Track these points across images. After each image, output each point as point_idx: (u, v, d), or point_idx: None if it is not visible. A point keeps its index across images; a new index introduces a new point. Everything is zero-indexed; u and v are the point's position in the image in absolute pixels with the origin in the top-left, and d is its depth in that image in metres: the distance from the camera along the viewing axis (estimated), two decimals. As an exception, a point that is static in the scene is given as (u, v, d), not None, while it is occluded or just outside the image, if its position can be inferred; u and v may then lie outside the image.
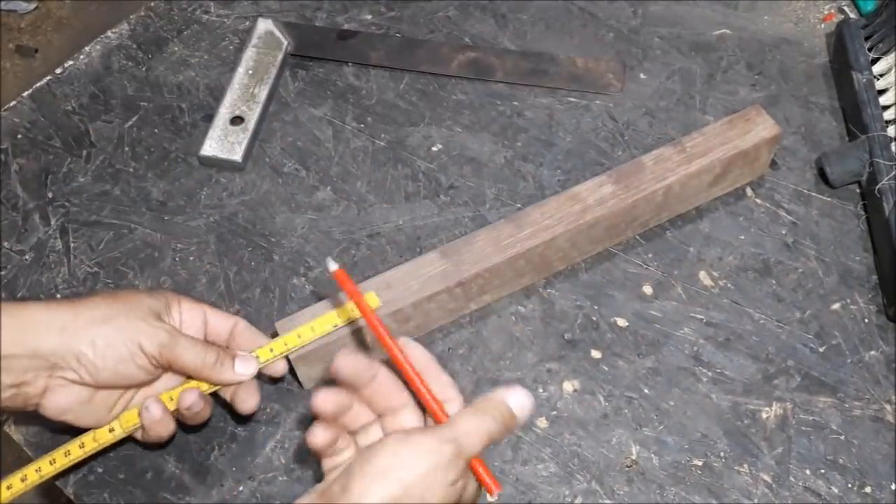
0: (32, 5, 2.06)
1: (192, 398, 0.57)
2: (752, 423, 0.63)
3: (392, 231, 0.73)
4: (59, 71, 0.84)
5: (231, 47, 0.85)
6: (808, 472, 0.61)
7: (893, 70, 0.73)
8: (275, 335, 0.62)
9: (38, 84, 0.83)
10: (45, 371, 0.54)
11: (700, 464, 0.61)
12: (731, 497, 0.60)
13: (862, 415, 0.63)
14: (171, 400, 0.58)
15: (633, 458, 0.62)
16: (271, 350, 0.60)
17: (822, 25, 0.84)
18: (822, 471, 0.61)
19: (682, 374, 0.65)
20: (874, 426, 0.63)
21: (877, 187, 0.69)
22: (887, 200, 0.68)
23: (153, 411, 0.57)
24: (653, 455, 0.62)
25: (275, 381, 0.64)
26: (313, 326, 0.60)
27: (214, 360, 0.57)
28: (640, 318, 0.67)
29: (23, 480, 0.57)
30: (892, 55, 0.74)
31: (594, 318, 0.68)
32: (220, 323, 0.61)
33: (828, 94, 0.79)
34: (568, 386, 0.65)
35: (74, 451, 0.58)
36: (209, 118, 0.79)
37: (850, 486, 0.60)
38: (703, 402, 0.64)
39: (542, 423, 0.63)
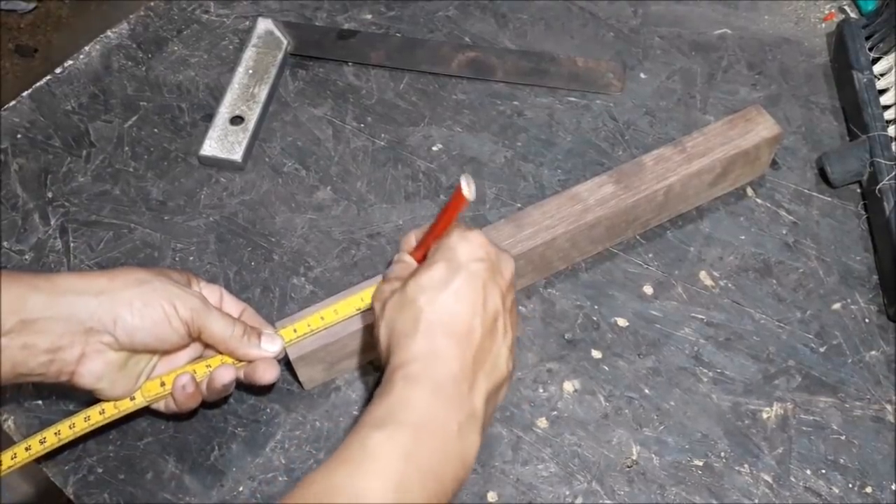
0: (32, 5, 2.06)
1: (230, 375, 0.58)
2: (752, 423, 0.63)
3: (392, 231, 0.72)
4: (58, 71, 0.83)
5: (231, 47, 0.84)
6: (808, 472, 0.61)
7: (894, 70, 0.73)
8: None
9: (38, 84, 0.83)
10: (82, 336, 0.54)
11: (701, 464, 0.61)
12: (732, 497, 0.60)
13: (863, 415, 0.63)
14: (195, 372, 0.59)
15: (634, 458, 0.62)
16: (295, 331, 0.60)
17: (823, 25, 0.84)
18: (823, 471, 0.61)
19: (683, 374, 0.65)
20: (875, 426, 0.62)
21: (877, 187, 0.69)
22: (888, 200, 0.68)
23: (189, 388, 0.58)
24: (653, 455, 0.62)
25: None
26: (336, 309, 0.61)
27: (242, 333, 0.58)
28: (640, 318, 0.67)
29: (41, 442, 0.58)
30: (893, 55, 0.74)
31: (594, 318, 0.67)
32: (232, 306, 0.62)
33: (828, 93, 0.79)
34: (568, 386, 0.65)
35: (94, 416, 0.58)
36: (209, 118, 0.79)
37: (850, 486, 0.60)
38: (704, 403, 0.64)
39: (542, 423, 0.63)
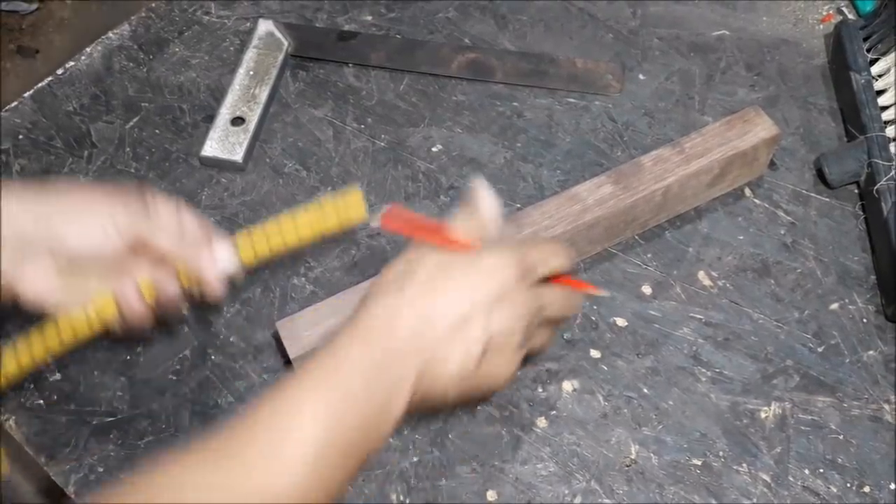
0: (34, 6, 2.06)
1: (174, 288, 0.55)
2: (750, 422, 0.63)
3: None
4: (60, 72, 0.84)
5: (232, 48, 0.85)
6: (806, 471, 0.61)
7: (892, 71, 0.73)
8: (276, 335, 0.62)
9: (40, 85, 0.83)
10: (20, 253, 0.52)
11: (699, 463, 0.62)
12: (730, 496, 0.60)
13: (860, 414, 0.63)
14: (141, 288, 0.55)
15: (633, 457, 0.62)
16: (253, 247, 0.56)
17: (821, 26, 0.84)
18: (821, 470, 0.61)
19: (681, 373, 0.65)
20: (872, 426, 0.63)
21: (875, 188, 0.69)
22: (885, 201, 0.68)
23: (131, 299, 0.55)
24: (652, 454, 0.62)
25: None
26: (297, 225, 0.57)
27: (189, 244, 0.55)
28: (639, 318, 0.68)
29: None
30: (891, 56, 0.74)
31: (593, 318, 0.68)
32: (191, 222, 0.57)
33: (826, 94, 0.79)
34: (567, 386, 0.65)
35: (52, 337, 0.55)
36: (210, 119, 0.79)
37: (848, 485, 0.60)
38: (702, 402, 0.64)
39: (541, 422, 0.63)
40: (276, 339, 0.64)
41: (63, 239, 0.53)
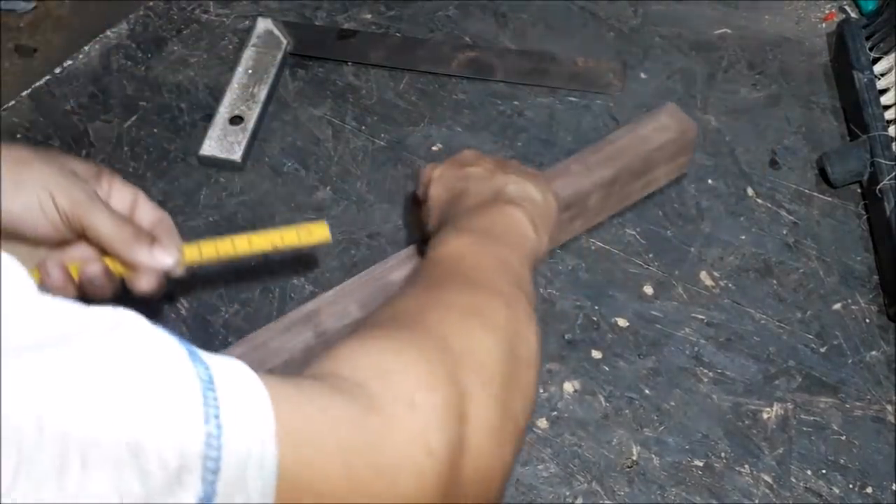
0: (31, 5, 2.05)
1: (94, 270, 0.54)
2: (753, 423, 0.63)
3: (392, 231, 0.72)
4: (58, 70, 0.83)
5: (230, 47, 0.84)
6: (809, 472, 0.61)
7: (894, 69, 0.73)
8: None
9: (37, 84, 0.83)
10: None
11: (701, 464, 0.61)
12: (732, 498, 0.60)
13: (863, 415, 0.63)
14: (68, 266, 0.54)
15: (634, 458, 0.62)
16: (200, 252, 0.56)
17: (823, 25, 0.84)
18: (824, 471, 0.61)
19: (683, 374, 0.65)
20: (875, 426, 0.62)
21: (878, 187, 0.69)
22: (888, 200, 0.68)
23: (53, 275, 0.53)
24: (653, 455, 0.62)
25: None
26: (251, 240, 0.57)
27: (132, 235, 0.54)
28: (640, 319, 0.67)
29: None
30: (893, 55, 0.73)
31: (594, 319, 0.67)
32: (148, 213, 0.57)
33: (829, 93, 0.79)
34: (568, 386, 0.65)
35: None
36: (208, 118, 0.79)
37: (851, 486, 0.60)
38: (704, 403, 0.64)
39: (542, 423, 0.63)
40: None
41: None
